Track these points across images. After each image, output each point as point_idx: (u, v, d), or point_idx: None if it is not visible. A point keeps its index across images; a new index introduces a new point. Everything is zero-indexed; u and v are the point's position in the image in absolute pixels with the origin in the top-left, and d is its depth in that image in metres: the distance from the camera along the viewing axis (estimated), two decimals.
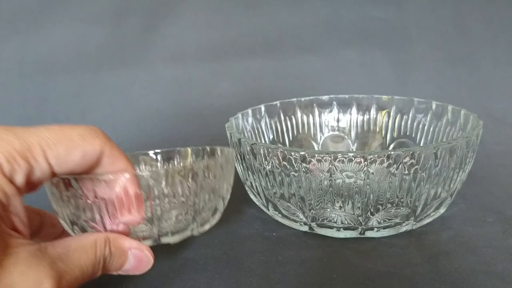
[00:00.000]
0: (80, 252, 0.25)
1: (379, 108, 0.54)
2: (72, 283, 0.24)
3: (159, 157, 0.43)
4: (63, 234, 0.34)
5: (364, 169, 0.34)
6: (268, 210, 0.43)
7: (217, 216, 0.37)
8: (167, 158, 0.44)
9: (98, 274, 0.27)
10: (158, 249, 0.40)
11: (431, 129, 0.50)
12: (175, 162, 0.43)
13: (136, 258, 0.29)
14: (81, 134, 0.25)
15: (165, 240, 0.33)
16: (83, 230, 0.31)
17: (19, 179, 0.23)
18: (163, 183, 0.31)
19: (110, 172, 0.28)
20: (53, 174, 0.25)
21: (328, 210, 0.37)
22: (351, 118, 0.56)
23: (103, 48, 0.76)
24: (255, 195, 0.43)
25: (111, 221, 0.30)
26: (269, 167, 0.38)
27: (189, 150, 0.44)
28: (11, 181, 0.22)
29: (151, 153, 0.43)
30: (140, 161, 0.43)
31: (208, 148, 0.42)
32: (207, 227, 0.36)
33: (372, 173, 0.34)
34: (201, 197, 0.33)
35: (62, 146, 0.24)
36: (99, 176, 0.28)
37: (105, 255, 0.27)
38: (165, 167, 0.43)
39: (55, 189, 0.30)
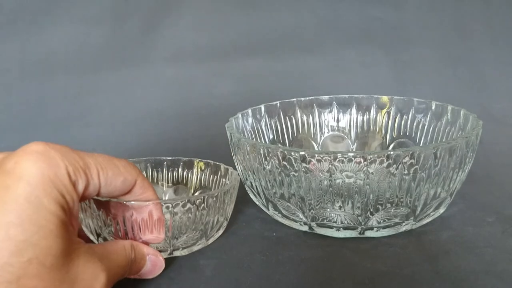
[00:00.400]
0: (115, 254, 0.30)
1: (379, 108, 0.54)
2: (113, 279, 0.29)
3: (164, 164, 0.47)
4: (80, 235, 0.38)
5: (364, 169, 0.34)
6: (268, 210, 0.43)
7: (221, 231, 0.41)
8: (172, 166, 0.47)
9: (126, 275, 0.32)
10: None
11: (431, 129, 0.50)
12: (180, 171, 0.47)
13: (152, 262, 0.34)
14: (123, 165, 0.30)
15: (177, 253, 0.38)
16: (106, 240, 0.36)
17: (80, 189, 0.27)
18: (182, 209, 0.35)
19: (139, 200, 0.33)
20: (98, 193, 0.29)
21: (328, 210, 0.37)
22: (351, 118, 0.56)
23: (103, 48, 0.77)
24: (255, 195, 0.43)
25: (133, 237, 0.34)
26: (269, 167, 0.38)
27: (194, 162, 0.47)
28: (75, 189, 0.27)
29: (156, 160, 0.47)
30: (147, 167, 0.47)
31: (212, 163, 0.46)
32: (211, 241, 0.40)
33: (372, 173, 0.34)
34: (211, 220, 0.38)
35: (110, 170, 0.29)
36: (128, 202, 0.33)
37: (132, 258, 0.31)
38: (185, 194, 0.47)
39: (86, 206, 0.35)
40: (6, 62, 0.74)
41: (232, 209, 0.41)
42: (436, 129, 0.49)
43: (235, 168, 0.44)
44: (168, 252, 0.38)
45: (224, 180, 0.44)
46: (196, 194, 0.47)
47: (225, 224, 0.41)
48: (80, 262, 0.26)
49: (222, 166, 0.45)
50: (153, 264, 0.34)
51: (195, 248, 0.39)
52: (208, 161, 0.46)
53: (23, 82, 0.75)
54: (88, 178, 0.27)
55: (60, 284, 0.24)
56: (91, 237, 0.38)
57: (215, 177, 0.45)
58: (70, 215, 0.26)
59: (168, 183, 0.47)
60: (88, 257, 0.27)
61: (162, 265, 0.34)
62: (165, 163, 0.47)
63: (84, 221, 0.37)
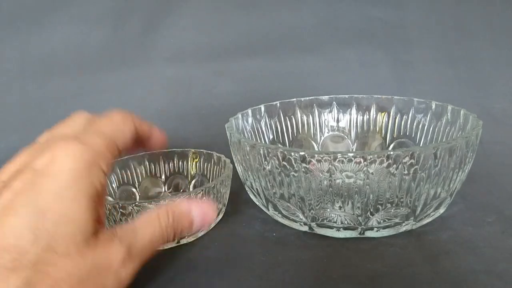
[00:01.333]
0: (145, 228, 0.31)
1: (379, 108, 0.54)
2: (141, 251, 0.31)
3: (160, 157, 0.51)
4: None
5: (364, 169, 0.34)
6: (268, 210, 0.43)
7: (220, 216, 0.44)
8: (167, 157, 0.51)
9: (171, 240, 0.33)
10: (158, 250, 0.40)
11: (431, 129, 0.50)
12: (175, 161, 0.51)
13: (200, 215, 0.34)
14: (122, 119, 0.34)
15: (184, 241, 0.41)
16: None
17: (107, 171, 0.30)
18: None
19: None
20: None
21: (328, 210, 0.37)
22: (351, 118, 0.56)
23: (103, 48, 0.77)
24: (255, 195, 0.43)
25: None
26: (269, 167, 0.38)
27: (188, 152, 0.51)
28: (105, 175, 0.30)
29: (152, 154, 0.50)
30: (144, 161, 0.50)
31: (204, 152, 0.50)
32: (212, 225, 0.43)
33: (372, 173, 0.34)
34: None
35: (121, 133, 0.33)
36: (142, 203, 0.37)
37: (171, 224, 0.32)
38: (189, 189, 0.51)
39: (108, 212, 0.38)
40: (6, 62, 0.74)
41: (229, 194, 0.45)
42: (436, 129, 0.49)
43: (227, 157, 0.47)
44: (175, 241, 0.40)
45: (217, 167, 0.48)
46: (193, 182, 0.50)
47: (223, 209, 0.45)
48: (101, 247, 0.28)
49: (215, 154, 0.48)
50: (201, 216, 0.34)
51: (200, 234, 0.42)
52: (201, 150, 0.50)
53: (23, 82, 0.75)
54: (114, 155, 0.31)
55: (77, 270, 0.26)
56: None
57: (209, 164, 0.49)
58: (99, 202, 0.29)
59: (165, 174, 0.51)
60: (107, 242, 0.29)
61: (213, 211, 0.34)
62: (160, 156, 0.51)
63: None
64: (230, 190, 0.45)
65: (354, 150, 0.56)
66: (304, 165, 0.35)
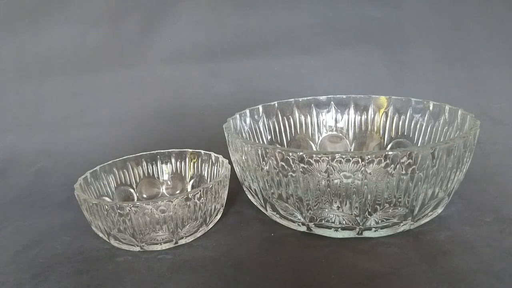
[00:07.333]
0: None
1: (377, 108, 0.54)
2: None
3: (158, 157, 0.51)
4: None
5: (362, 169, 0.34)
6: (266, 210, 0.43)
7: (219, 216, 0.44)
8: (165, 158, 0.51)
9: None
10: (157, 250, 0.40)
11: (429, 129, 0.50)
12: (173, 162, 0.51)
13: None
14: None
15: (182, 241, 0.41)
16: (116, 238, 0.39)
17: None
18: (185, 204, 0.38)
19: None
20: None
21: (326, 210, 0.37)
22: (349, 118, 0.56)
23: (100, 49, 0.76)
24: (253, 196, 0.43)
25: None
26: (267, 167, 0.38)
27: (186, 152, 0.51)
28: None
29: (150, 154, 0.51)
30: (142, 162, 0.50)
31: (202, 152, 0.50)
32: (211, 225, 0.43)
33: (370, 173, 0.34)
34: (209, 209, 0.41)
35: None
36: (140, 204, 0.36)
37: None
38: (187, 189, 0.51)
39: (101, 210, 0.38)
40: (3, 63, 0.74)
41: (227, 195, 0.45)
42: (434, 129, 0.49)
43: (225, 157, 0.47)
44: (174, 242, 0.40)
45: (215, 167, 0.48)
46: (191, 182, 0.50)
47: (221, 210, 0.44)
48: None
49: (213, 154, 0.48)
50: None
51: (198, 234, 0.42)
52: (199, 150, 0.50)
53: (20, 82, 0.74)
54: None
55: None
56: (102, 236, 0.41)
57: (207, 165, 0.49)
58: None
59: (163, 174, 0.51)
60: None
61: None
62: (158, 156, 0.51)
63: (93, 223, 0.40)
64: (228, 190, 0.45)
65: (352, 150, 0.56)
66: (302, 165, 0.35)
